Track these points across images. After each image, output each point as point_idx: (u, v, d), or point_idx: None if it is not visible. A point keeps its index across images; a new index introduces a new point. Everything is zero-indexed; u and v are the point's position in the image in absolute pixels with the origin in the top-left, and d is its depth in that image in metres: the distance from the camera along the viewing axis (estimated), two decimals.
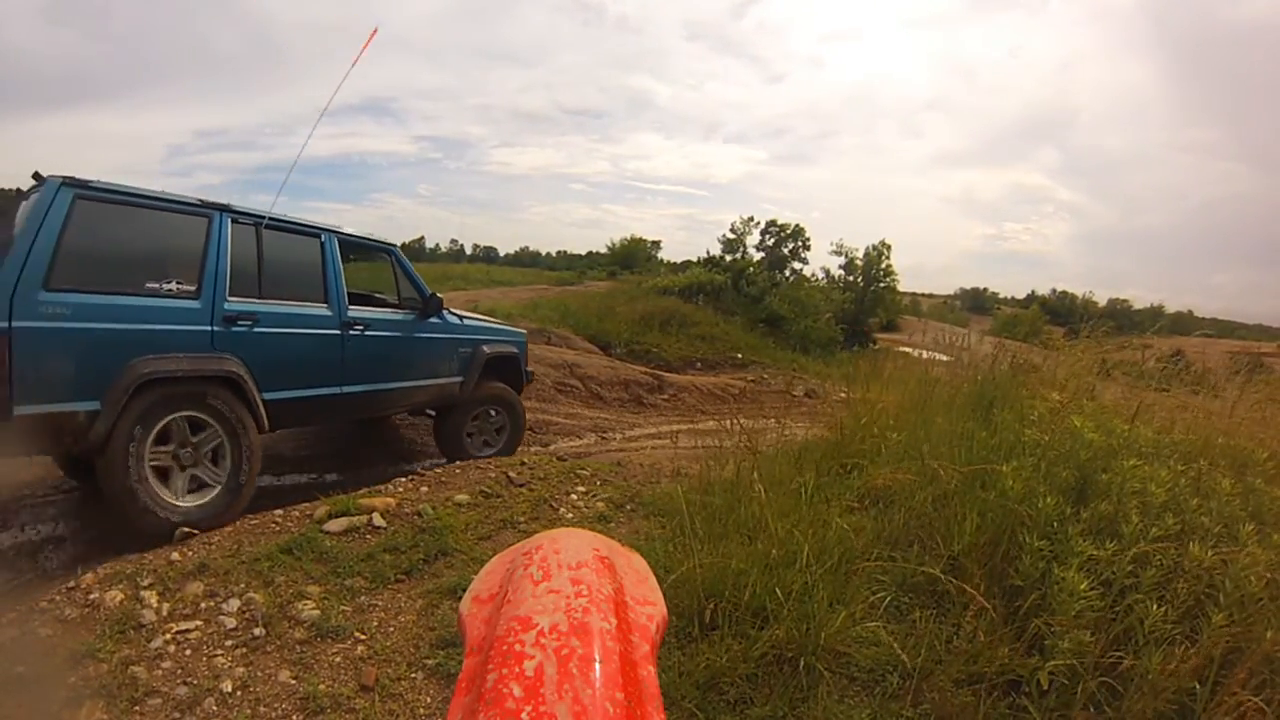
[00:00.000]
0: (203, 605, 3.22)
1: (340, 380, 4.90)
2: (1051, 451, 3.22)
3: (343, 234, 5.14)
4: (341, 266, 4.99)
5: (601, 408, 10.96)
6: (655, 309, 20.29)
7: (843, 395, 5.80)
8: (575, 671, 0.46)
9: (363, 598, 3.43)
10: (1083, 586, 2.33)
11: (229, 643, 3.00)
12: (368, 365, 5.08)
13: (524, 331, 6.93)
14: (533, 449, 7.51)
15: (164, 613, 3.14)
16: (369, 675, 2.88)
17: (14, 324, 3.32)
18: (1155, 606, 2.25)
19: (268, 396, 4.36)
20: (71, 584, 3.33)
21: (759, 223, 32.75)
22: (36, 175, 3.82)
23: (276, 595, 3.33)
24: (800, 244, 32.71)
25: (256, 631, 3.07)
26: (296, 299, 4.65)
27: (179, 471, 4.03)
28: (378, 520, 4.09)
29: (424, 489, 4.73)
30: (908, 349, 8.74)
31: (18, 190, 4.20)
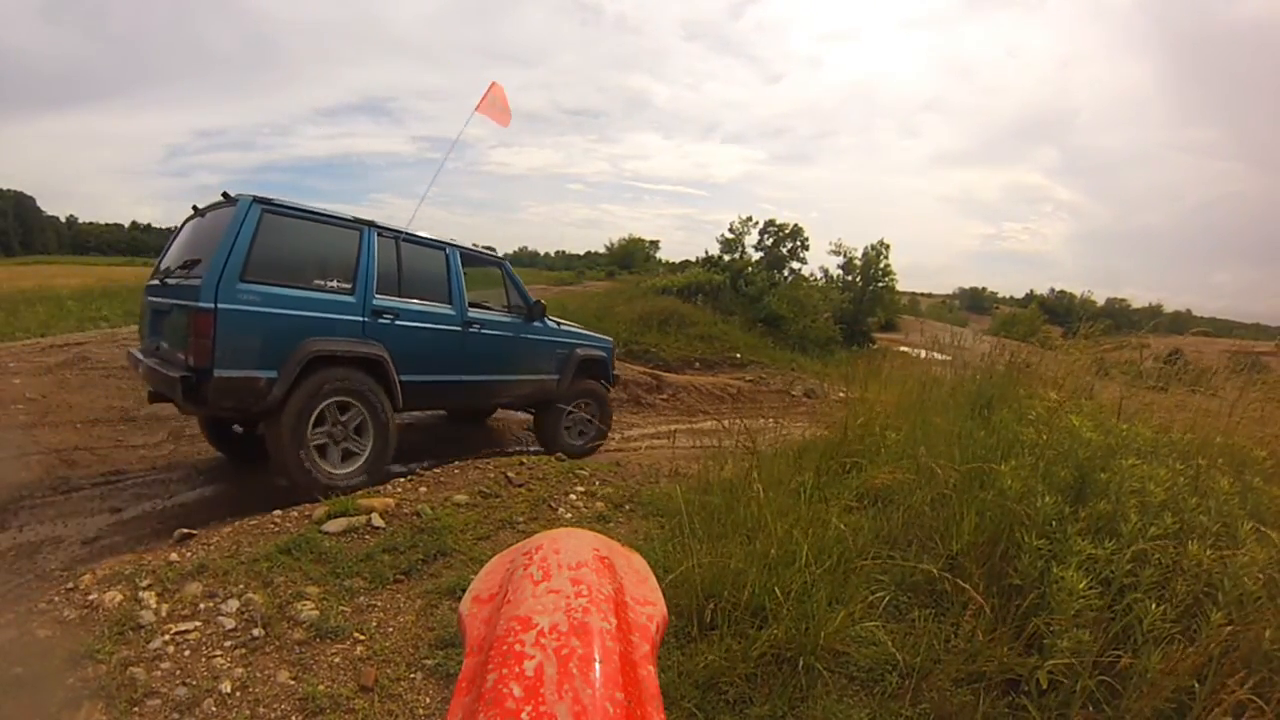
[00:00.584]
0: (202, 606, 3.21)
1: (461, 370, 5.75)
2: (1050, 451, 3.22)
3: (463, 247, 6.02)
4: (462, 275, 5.82)
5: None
6: (654, 309, 20.29)
7: (841, 395, 5.80)
8: (575, 671, 0.46)
9: (362, 598, 3.43)
10: (1081, 585, 2.33)
11: (228, 643, 3.00)
12: (483, 359, 5.91)
13: (611, 339, 7.90)
14: (531, 449, 7.51)
15: (163, 613, 3.13)
16: (368, 676, 2.87)
17: (219, 305, 4.17)
18: (1154, 605, 2.25)
19: (403, 379, 5.17)
20: (70, 585, 3.33)
21: (757, 222, 32.74)
22: (225, 195, 4.74)
23: (275, 596, 3.33)
24: (799, 244, 32.72)
25: (255, 632, 3.07)
26: (427, 299, 5.49)
27: (334, 446, 4.89)
28: (376, 520, 4.09)
29: (423, 489, 4.73)
30: (906, 349, 8.74)
31: (194, 207, 5.24)
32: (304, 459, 4.65)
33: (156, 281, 5.03)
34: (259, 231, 4.43)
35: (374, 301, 5.03)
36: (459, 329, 5.67)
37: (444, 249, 5.77)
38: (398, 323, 5.16)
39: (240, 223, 4.36)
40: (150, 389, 5.05)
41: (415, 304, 5.35)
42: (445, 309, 5.61)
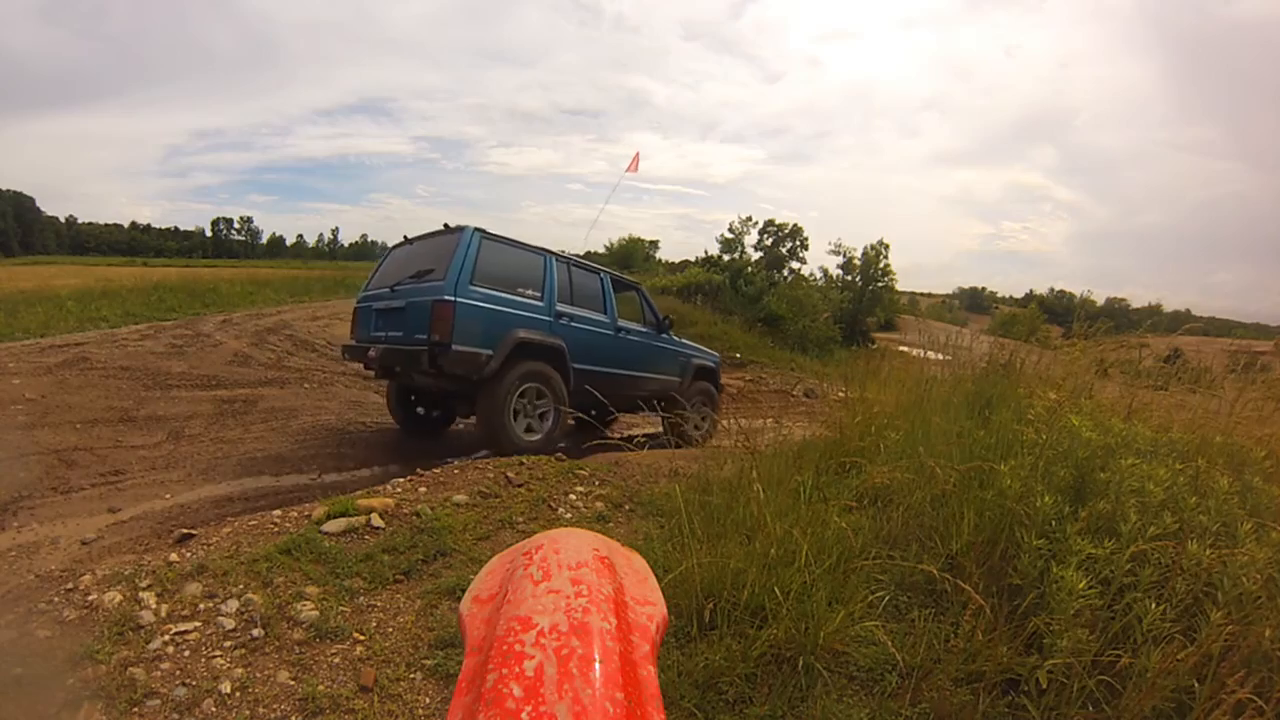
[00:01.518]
0: (201, 606, 3.21)
1: (612, 365, 7.18)
2: (1049, 450, 3.22)
3: (612, 273, 7.78)
4: (613, 293, 7.42)
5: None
6: None
7: (841, 395, 5.80)
8: (575, 671, 0.46)
9: (361, 598, 3.43)
10: (1081, 585, 2.33)
11: (227, 644, 3.00)
12: (627, 358, 7.42)
13: (718, 354, 9.60)
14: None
15: (162, 614, 3.13)
16: (368, 676, 2.87)
17: (457, 299, 5.69)
18: (1153, 605, 2.26)
19: (575, 365, 6.57)
20: (70, 585, 3.32)
21: (757, 222, 32.97)
22: (446, 225, 6.34)
23: (275, 596, 3.33)
24: (798, 243, 32.86)
25: (255, 632, 3.07)
26: (590, 309, 7.02)
27: (523, 418, 6.18)
28: (376, 521, 4.08)
29: (422, 489, 4.73)
30: (905, 348, 8.79)
31: (405, 238, 7.22)
32: (506, 422, 5.88)
33: (385, 289, 6.53)
34: (480, 251, 5.98)
35: (556, 307, 6.55)
36: (611, 333, 7.24)
37: (599, 273, 7.46)
38: (572, 324, 6.67)
39: (467, 243, 5.92)
40: (379, 365, 6.42)
41: (582, 311, 6.88)
42: (602, 317, 7.16)
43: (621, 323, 7.38)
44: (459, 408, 6.92)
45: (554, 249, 6.90)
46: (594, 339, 6.93)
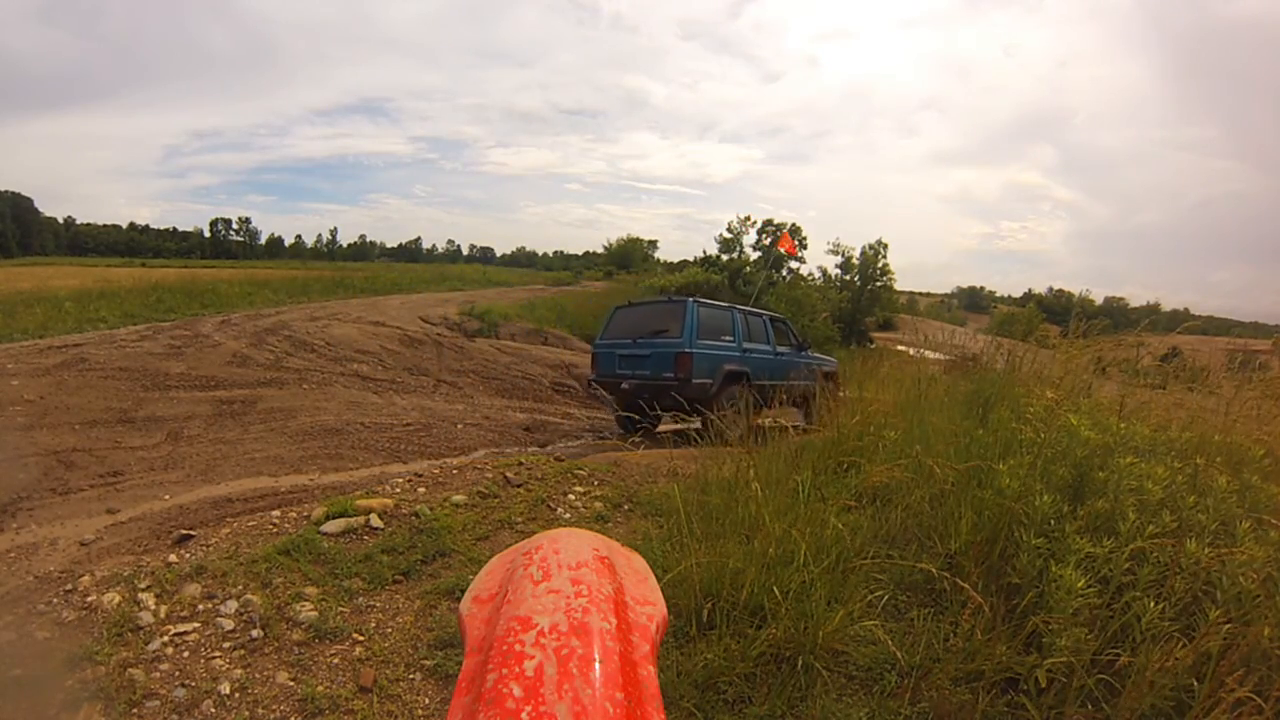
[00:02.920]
0: (200, 607, 3.21)
1: (774, 377, 9.02)
2: (1048, 449, 3.23)
3: (770, 314, 10.82)
4: (772, 328, 10.00)
5: (599, 408, 10.95)
6: None
7: (839, 394, 5.81)
8: (575, 671, 0.46)
9: (360, 599, 3.43)
10: (1080, 584, 2.33)
11: (227, 644, 3.00)
12: (784, 371, 9.45)
13: (836, 360, 12.03)
14: (530, 449, 7.52)
15: (162, 615, 3.13)
16: (367, 676, 2.87)
17: (692, 350, 8.13)
18: (1152, 603, 2.26)
19: (754, 382, 8.60)
20: (69, 587, 3.32)
21: (755, 222, 32.91)
22: (669, 296, 13.67)
23: (274, 597, 3.33)
24: (797, 243, 32.80)
25: (254, 633, 3.07)
26: (759, 342, 9.48)
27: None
28: (375, 521, 4.08)
29: (421, 490, 4.73)
30: (904, 348, 8.87)
31: (628, 301, 10.39)
32: (720, 427, 6.43)
33: (627, 340, 9.12)
34: (698, 314, 8.48)
35: (744, 345, 8.97)
36: (772, 355, 9.59)
37: (762, 316, 10.14)
38: (750, 354, 9.01)
39: (691, 311, 8.45)
40: (630, 393, 8.45)
41: (756, 344, 9.29)
42: (766, 346, 9.58)
43: (778, 347, 9.88)
44: (681, 414, 7.97)
45: (741, 306, 9.93)
46: (763, 361, 9.29)
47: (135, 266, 41.97)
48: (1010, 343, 6.21)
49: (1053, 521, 2.75)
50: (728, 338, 8.90)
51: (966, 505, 3.17)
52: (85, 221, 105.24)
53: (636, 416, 8.67)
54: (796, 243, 32.68)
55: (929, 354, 8.42)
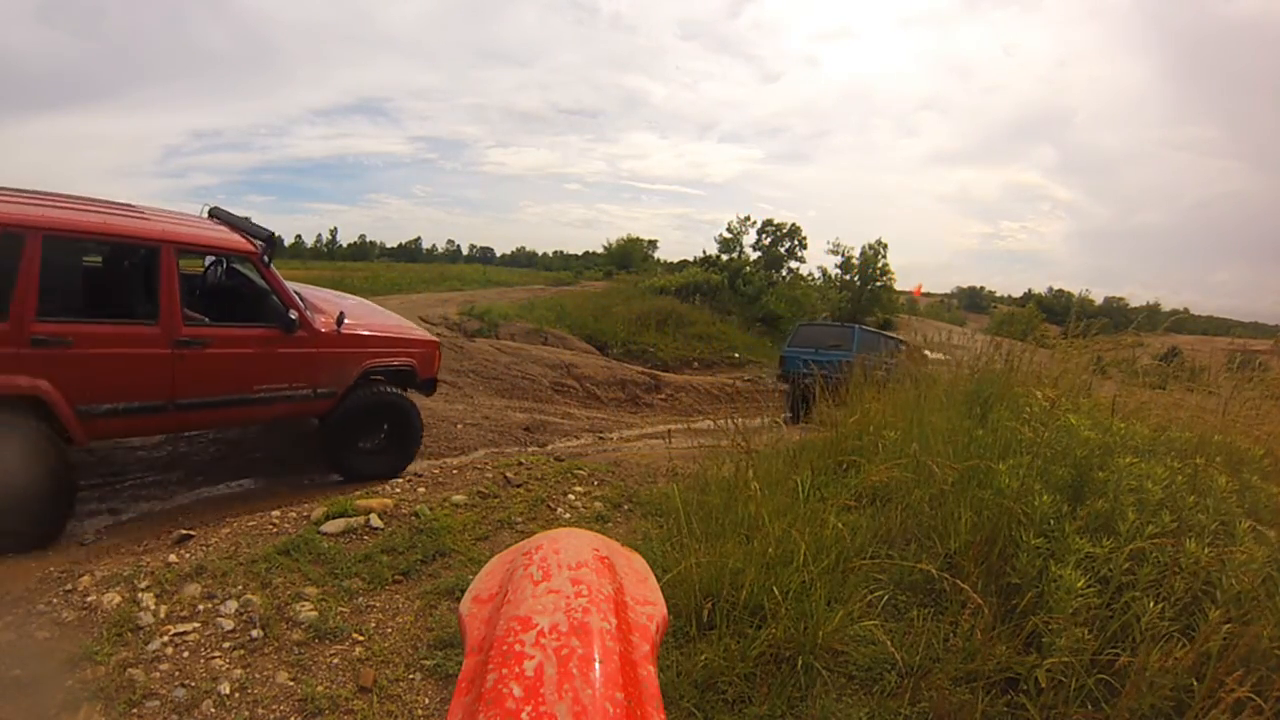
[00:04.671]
0: (200, 607, 3.21)
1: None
2: (1047, 449, 3.23)
3: (885, 334, 13.97)
4: (880, 337, 12.57)
5: (598, 408, 10.97)
6: (651, 309, 20.33)
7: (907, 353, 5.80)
8: (575, 671, 0.46)
9: (360, 599, 3.43)
10: (1080, 584, 2.34)
11: (227, 644, 3.00)
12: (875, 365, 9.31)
13: (898, 337, 14.04)
14: (529, 449, 7.52)
15: (162, 615, 3.13)
16: (367, 676, 2.88)
17: (856, 357, 7.37)
18: (1152, 603, 2.26)
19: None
20: (69, 587, 3.32)
21: (755, 222, 32.83)
22: (840, 321, 18.91)
23: (274, 597, 3.33)
24: (797, 243, 32.80)
25: (254, 633, 3.07)
26: (872, 349, 9.97)
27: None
28: (375, 521, 4.08)
29: (421, 490, 4.73)
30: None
31: (810, 320, 19.26)
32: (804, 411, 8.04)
33: (810, 349, 11.79)
34: (860, 334, 12.11)
35: (856, 350, 10.21)
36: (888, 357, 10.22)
37: (878, 333, 13.24)
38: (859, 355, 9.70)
39: (855, 331, 12.28)
40: (804, 381, 8.92)
41: (870, 351, 9.42)
42: (879, 351, 9.81)
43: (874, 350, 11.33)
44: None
45: (871, 329, 13.96)
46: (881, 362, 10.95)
47: None
48: (1009, 342, 6.21)
49: (1052, 521, 2.76)
50: (837, 346, 11.80)
51: (966, 505, 3.17)
52: None
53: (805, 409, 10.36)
54: (797, 241, 32.69)
55: (928, 354, 8.44)
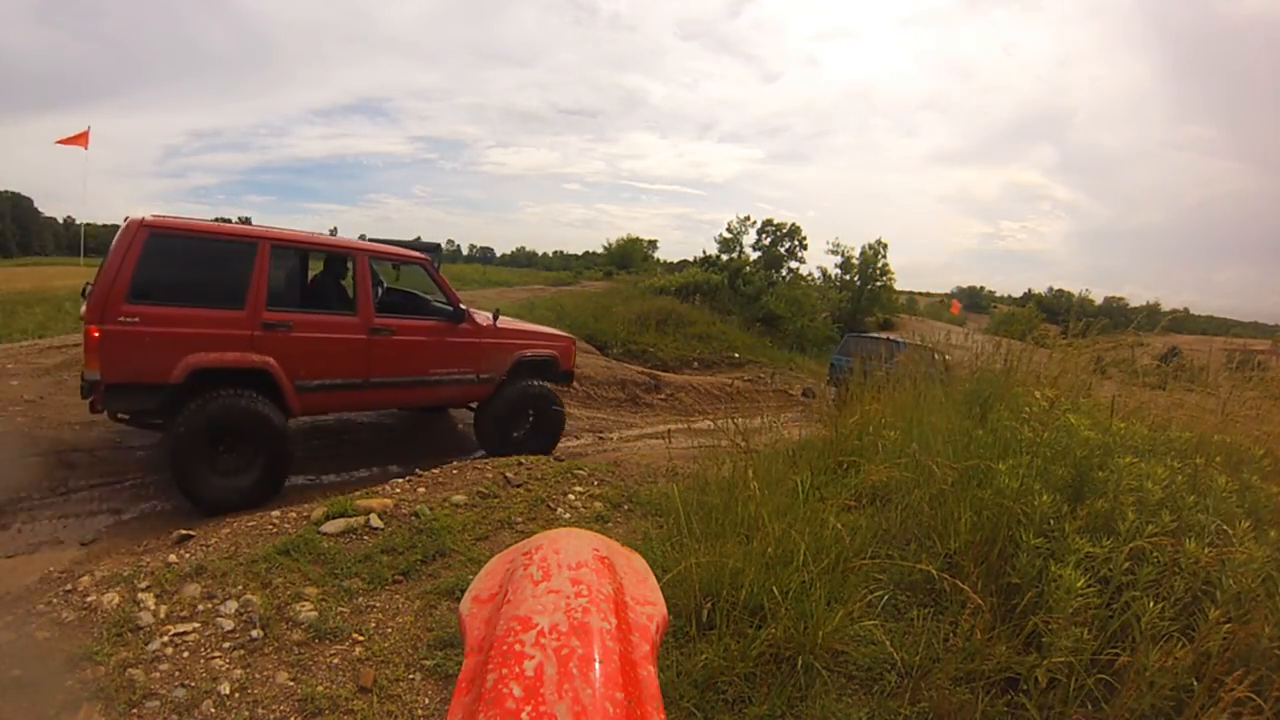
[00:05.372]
0: (200, 607, 3.21)
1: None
2: (1047, 449, 3.22)
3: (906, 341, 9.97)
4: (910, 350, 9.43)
5: (598, 408, 10.95)
6: (651, 309, 20.29)
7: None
8: (575, 671, 0.46)
9: (360, 599, 3.43)
10: (1079, 584, 2.33)
11: (227, 645, 3.00)
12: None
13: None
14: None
15: (161, 615, 3.13)
16: (367, 676, 2.88)
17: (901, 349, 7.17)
18: (1152, 603, 2.25)
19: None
20: (69, 587, 3.32)
21: (755, 222, 32.77)
22: (888, 336, 11.20)
23: (274, 597, 3.33)
24: (796, 243, 32.75)
25: (254, 633, 3.07)
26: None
27: None
28: (375, 521, 4.08)
29: (421, 490, 4.73)
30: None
31: (858, 334, 14.07)
32: None
33: (853, 359, 8.07)
34: (905, 348, 7.84)
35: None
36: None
37: (922, 349, 9.56)
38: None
39: (902, 343, 8.42)
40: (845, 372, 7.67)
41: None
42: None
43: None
44: None
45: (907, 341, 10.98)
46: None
47: None
48: (1008, 342, 6.21)
49: (1052, 521, 2.75)
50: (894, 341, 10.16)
51: (965, 505, 3.17)
52: (85, 221, 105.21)
53: None
54: (797, 242, 32.64)
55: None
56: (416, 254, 6.43)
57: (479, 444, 6.85)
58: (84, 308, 4.99)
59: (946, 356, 7.73)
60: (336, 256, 6.20)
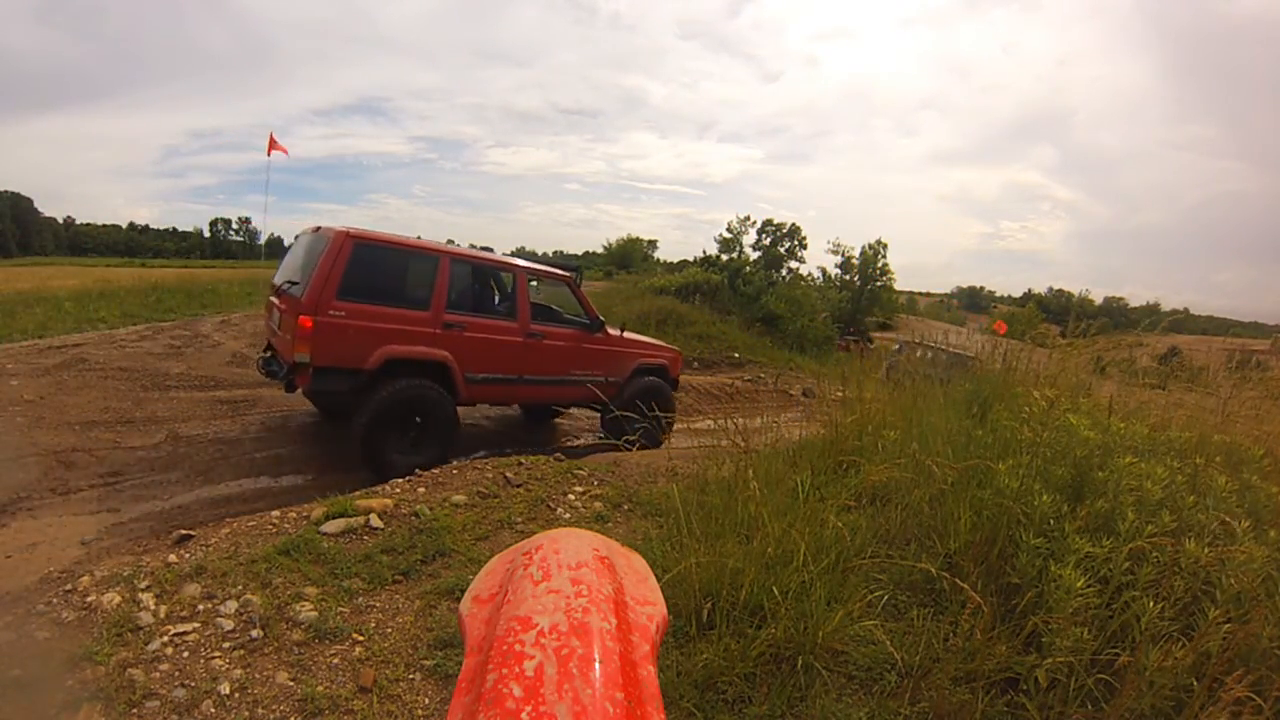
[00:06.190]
0: (200, 607, 3.21)
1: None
2: (1047, 449, 3.23)
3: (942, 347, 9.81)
4: (951, 357, 8.69)
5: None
6: (652, 309, 20.30)
7: (839, 394, 5.81)
8: (575, 671, 0.46)
9: (360, 599, 3.43)
10: (1079, 583, 2.34)
11: (227, 645, 3.00)
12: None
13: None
14: (529, 449, 7.50)
15: (161, 615, 3.13)
16: (367, 676, 2.87)
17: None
18: (1152, 603, 2.26)
19: None
20: (69, 587, 3.32)
21: (755, 222, 32.84)
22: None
23: (274, 597, 3.33)
24: (797, 243, 32.81)
25: (254, 633, 3.07)
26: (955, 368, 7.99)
27: None
28: (375, 521, 4.08)
29: (421, 489, 4.73)
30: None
31: (902, 344, 9.02)
32: None
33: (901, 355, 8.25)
34: (950, 356, 7.50)
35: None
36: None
37: (960, 355, 8.76)
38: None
39: (941, 351, 7.68)
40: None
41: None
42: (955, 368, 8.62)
43: None
44: None
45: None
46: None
47: (135, 266, 41.85)
48: (1007, 342, 6.21)
49: (1052, 521, 2.76)
50: (959, 369, 10.31)
51: (965, 505, 3.17)
52: (85, 221, 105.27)
53: None
54: (797, 241, 32.68)
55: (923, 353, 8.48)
56: (563, 273, 7.52)
57: (606, 435, 7.57)
58: (276, 299, 6.24)
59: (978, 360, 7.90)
60: (500, 271, 7.16)
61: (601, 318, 7.50)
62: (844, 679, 2.68)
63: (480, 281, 7.20)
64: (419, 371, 5.99)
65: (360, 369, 5.68)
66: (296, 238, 6.93)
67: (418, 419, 5.97)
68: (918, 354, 8.47)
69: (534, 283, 7.45)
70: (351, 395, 5.75)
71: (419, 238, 6.92)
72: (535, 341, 6.87)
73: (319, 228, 6.09)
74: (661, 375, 8.06)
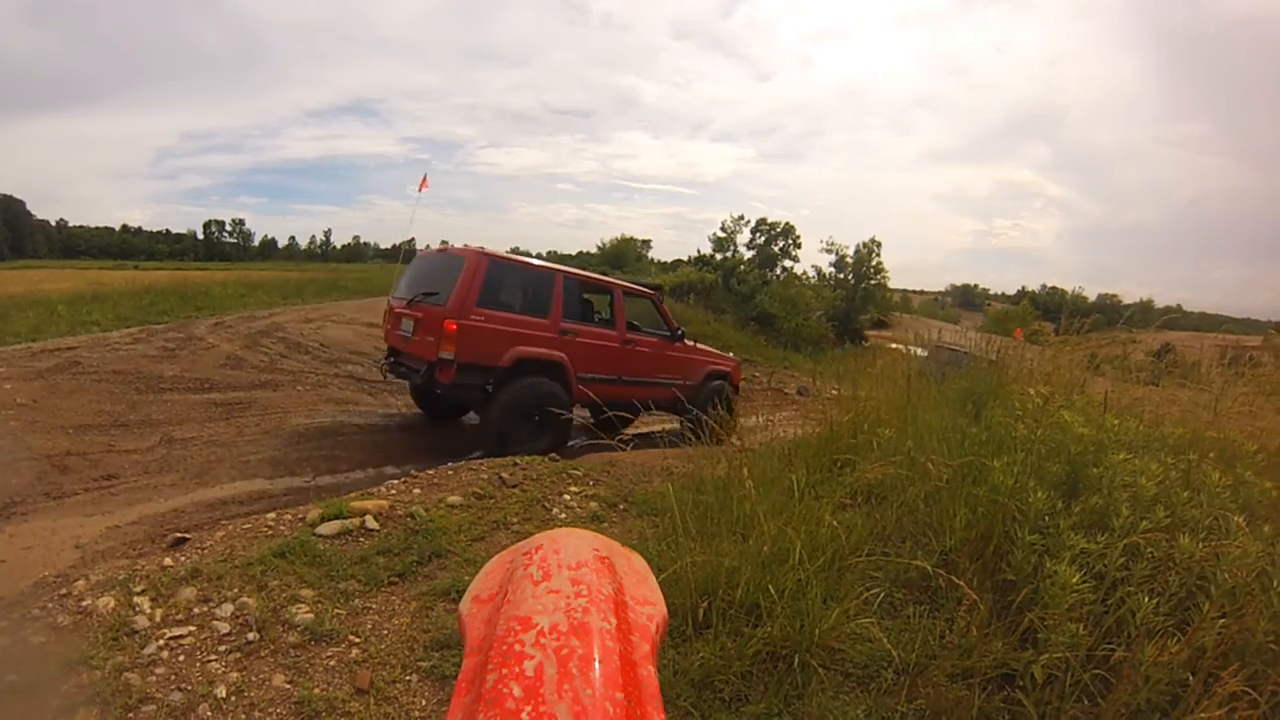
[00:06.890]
0: (196, 611, 3.20)
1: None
2: (1041, 446, 3.24)
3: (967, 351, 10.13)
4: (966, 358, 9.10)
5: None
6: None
7: (834, 392, 5.82)
8: (575, 671, 0.46)
9: (356, 601, 3.42)
10: (1074, 580, 2.35)
11: (223, 648, 2.99)
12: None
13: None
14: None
15: (157, 619, 3.12)
16: (364, 678, 2.87)
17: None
18: (1146, 599, 2.27)
19: None
20: (64, 591, 3.31)
21: (749, 221, 32.82)
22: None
23: (270, 599, 3.32)
24: (790, 242, 32.80)
25: (250, 636, 3.06)
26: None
27: None
28: (370, 523, 4.08)
29: (416, 491, 4.72)
30: (898, 345, 8.91)
31: (940, 346, 8.63)
32: None
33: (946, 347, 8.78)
34: (965, 358, 7.54)
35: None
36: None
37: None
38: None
39: (964, 356, 7.58)
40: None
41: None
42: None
43: None
44: None
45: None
46: None
47: (128, 269, 41.71)
48: (1001, 339, 6.23)
49: (1047, 518, 2.77)
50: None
51: (960, 502, 3.18)
52: (77, 224, 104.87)
53: None
54: (791, 241, 32.74)
55: (920, 351, 8.48)
56: (650, 291, 8.92)
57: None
58: (408, 309, 7.07)
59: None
60: (602, 288, 8.26)
61: (681, 329, 8.64)
62: (840, 676, 2.69)
63: (585, 295, 8.17)
64: (541, 370, 6.91)
65: (495, 365, 6.59)
66: (416, 257, 8.19)
67: (538, 411, 6.79)
68: (943, 356, 8.70)
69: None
70: (483, 390, 6.58)
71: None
72: (630, 348, 7.96)
73: (445, 246, 7.51)
74: (727, 380, 9.15)
